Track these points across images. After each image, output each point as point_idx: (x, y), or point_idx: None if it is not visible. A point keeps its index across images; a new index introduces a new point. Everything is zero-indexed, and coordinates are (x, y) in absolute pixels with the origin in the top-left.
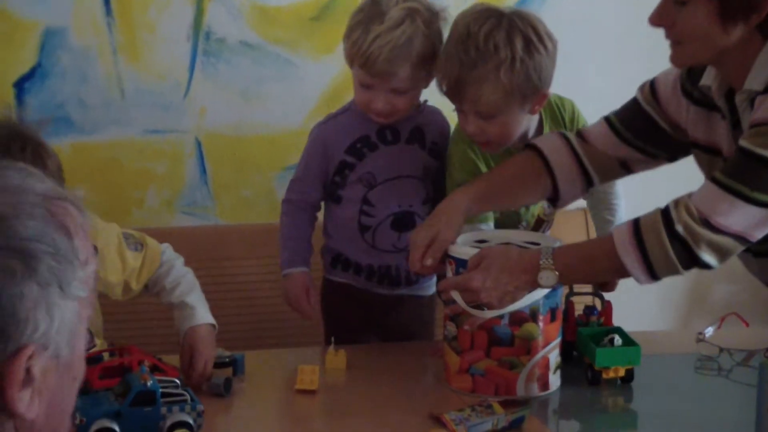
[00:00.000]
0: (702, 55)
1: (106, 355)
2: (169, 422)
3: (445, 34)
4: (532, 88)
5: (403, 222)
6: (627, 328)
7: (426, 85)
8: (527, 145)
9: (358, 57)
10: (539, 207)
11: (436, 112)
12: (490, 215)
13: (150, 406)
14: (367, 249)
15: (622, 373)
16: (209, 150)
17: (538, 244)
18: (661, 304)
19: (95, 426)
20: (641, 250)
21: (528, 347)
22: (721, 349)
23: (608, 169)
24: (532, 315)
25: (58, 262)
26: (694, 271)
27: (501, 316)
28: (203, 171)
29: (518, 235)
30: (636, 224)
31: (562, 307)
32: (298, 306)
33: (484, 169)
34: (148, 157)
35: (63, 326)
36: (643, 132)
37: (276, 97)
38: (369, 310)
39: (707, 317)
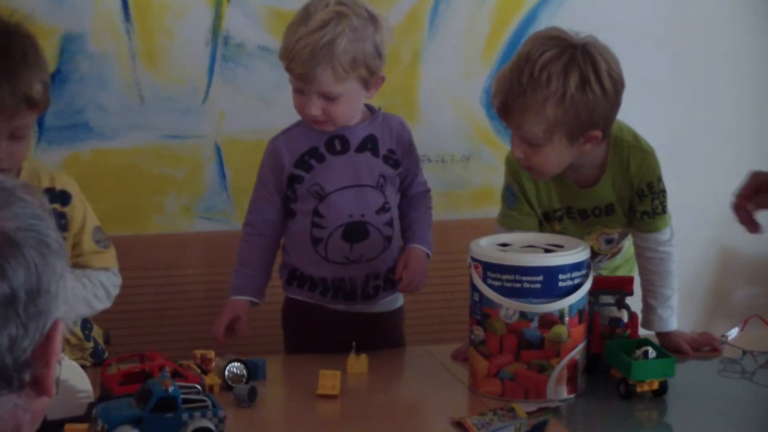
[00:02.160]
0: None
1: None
2: (190, 428)
3: (386, 38)
4: (580, 126)
5: (355, 232)
6: (649, 331)
7: (368, 94)
8: None
9: (285, 58)
10: (594, 240)
11: (393, 119)
12: (534, 224)
13: (171, 411)
14: (320, 261)
15: (656, 386)
16: (228, 155)
17: (561, 246)
18: (683, 307)
19: None
20: None
21: (558, 349)
22: (744, 352)
23: None
24: (561, 317)
25: (57, 233)
26: (716, 274)
27: (531, 319)
28: (222, 176)
29: (541, 238)
30: None
31: (587, 309)
32: (216, 326)
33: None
34: (167, 162)
35: (68, 297)
36: None
37: None
38: (330, 327)
39: (730, 320)
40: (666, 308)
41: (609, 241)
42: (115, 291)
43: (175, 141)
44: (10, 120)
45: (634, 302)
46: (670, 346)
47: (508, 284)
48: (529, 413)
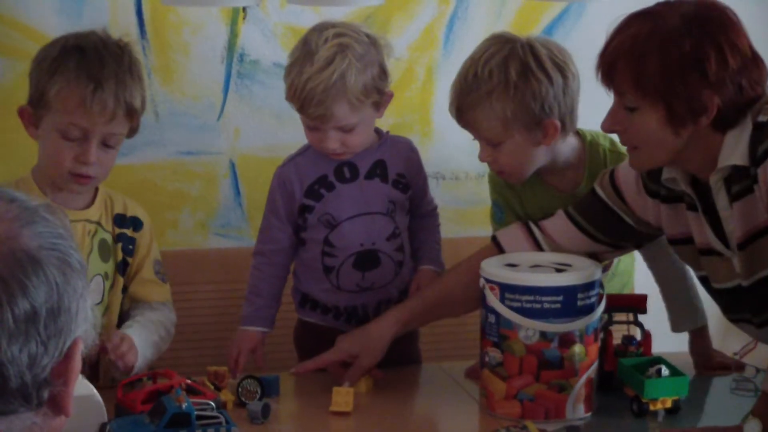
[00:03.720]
0: (659, 158)
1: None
2: None
3: (388, 55)
4: (533, 116)
5: (367, 261)
6: (662, 349)
7: (379, 116)
8: (492, 238)
9: (295, 101)
10: None
11: (400, 142)
12: None
13: (185, 428)
14: (333, 290)
15: (669, 404)
16: (243, 171)
17: (569, 265)
18: None
19: None
20: None
21: (576, 368)
22: (758, 370)
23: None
24: (580, 336)
25: (78, 253)
26: None
27: (551, 339)
28: (237, 192)
29: (547, 257)
30: None
31: (599, 326)
32: (229, 360)
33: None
34: (182, 178)
35: (88, 316)
36: (608, 227)
37: None
38: None
39: (741, 338)
40: (691, 307)
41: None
42: (172, 330)
43: (190, 157)
44: (107, 123)
45: (648, 320)
46: (700, 348)
47: (528, 305)
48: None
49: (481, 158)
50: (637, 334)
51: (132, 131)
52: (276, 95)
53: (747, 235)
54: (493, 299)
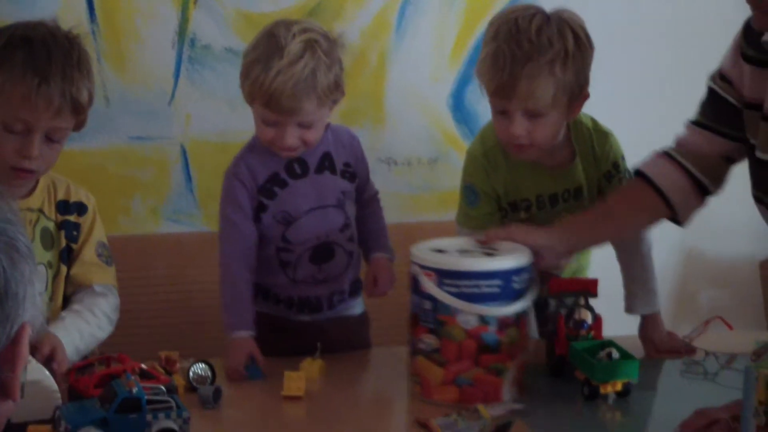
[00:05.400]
0: None
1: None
2: (154, 429)
3: (344, 60)
4: (579, 87)
5: (323, 253)
6: (612, 332)
7: (330, 113)
8: (635, 172)
9: (261, 95)
10: None
11: (341, 132)
12: (495, 224)
13: (135, 412)
14: (288, 283)
15: (619, 387)
16: (195, 157)
17: (495, 249)
18: None
19: None
20: None
21: (512, 352)
22: (707, 353)
23: (716, 168)
24: (516, 319)
25: (26, 237)
26: (681, 276)
27: (489, 323)
28: (189, 179)
29: (469, 243)
30: None
31: (552, 310)
32: (233, 372)
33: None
34: (133, 164)
35: (36, 302)
36: (728, 119)
37: None
38: (295, 336)
39: (694, 321)
40: (647, 291)
41: None
42: (115, 315)
43: (141, 143)
44: (52, 118)
45: (599, 304)
46: (649, 334)
47: (467, 290)
48: (493, 415)
49: (516, 132)
50: (588, 318)
51: (79, 125)
52: (227, 81)
53: None
54: (430, 285)
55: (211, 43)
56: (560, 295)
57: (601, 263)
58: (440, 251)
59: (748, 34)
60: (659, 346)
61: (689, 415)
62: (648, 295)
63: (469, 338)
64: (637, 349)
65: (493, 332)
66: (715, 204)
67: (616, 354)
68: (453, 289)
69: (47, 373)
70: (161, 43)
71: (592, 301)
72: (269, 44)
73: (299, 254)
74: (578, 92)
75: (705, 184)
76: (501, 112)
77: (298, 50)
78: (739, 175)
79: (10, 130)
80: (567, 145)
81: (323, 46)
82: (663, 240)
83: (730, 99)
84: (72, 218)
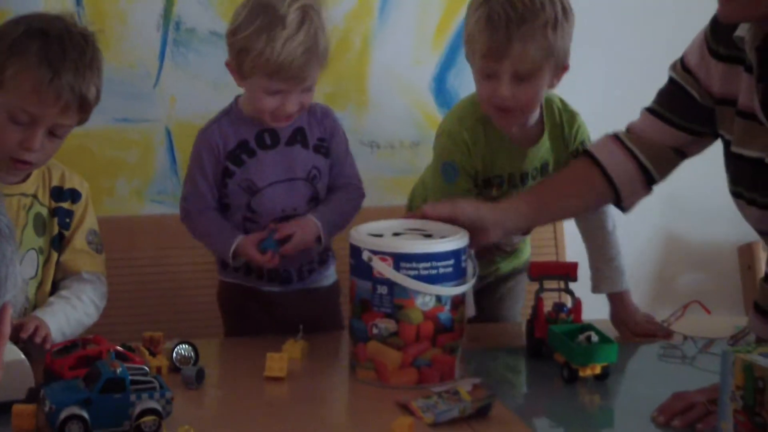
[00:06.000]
0: (751, 12)
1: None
2: (138, 409)
3: (326, 24)
4: (563, 55)
5: None
6: (591, 316)
7: None
8: (584, 152)
9: (267, 66)
10: None
11: (317, 108)
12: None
13: (119, 393)
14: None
15: (598, 370)
16: (179, 139)
17: (426, 230)
18: None
19: (65, 413)
20: None
21: (461, 329)
22: (685, 337)
23: (664, 158)
24: (464, 297)
25: (7, 218)
26: (660, 260)
27: (444, 303)
28: (173, 160)
29: (398, 224)
30: None
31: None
32: (256, 263)
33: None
34: (118, 146)
35: (17, 282)
36: (686, 111)
37: None
38: (267, 308)
39: (673, 305)
40: (612, 269)
41: None
42: (102, 302)
43: (126, 125)
44: (58, 114)
45: (578, 288)
46: (620, 316)
47: (425, 272)
48: (473, 396)
49: (504, 93)
50: (568, 302)
51: (81, 122)
52: (212, 63)
53: None
54: (388, 270)
55: (195, 26)
56: (540, 278)
57: (580, 248)
58: (378, 236)
59: (716, 30)
60: (634, 329)
61: (667, 398)
62: (614, 273)
63: (426, 320)
64: (616, 333)
65: (448, 311)
66: (694, 188)
67: (595, 337)
68: (412, 272)
69: (22, 354)
70: (146, 25)
71: (571, 285)
72: (267, 15)
73: (265, 225)
74: (562, 61)
75: (652, 173)
76: (488, 76)
77: (298, 18)
78: (717, 159)
79: (14, 121)
80: (539, 121)
81: (319, 12)
82: (642, 224)
83: (693, 92)
84: (65, 205)
